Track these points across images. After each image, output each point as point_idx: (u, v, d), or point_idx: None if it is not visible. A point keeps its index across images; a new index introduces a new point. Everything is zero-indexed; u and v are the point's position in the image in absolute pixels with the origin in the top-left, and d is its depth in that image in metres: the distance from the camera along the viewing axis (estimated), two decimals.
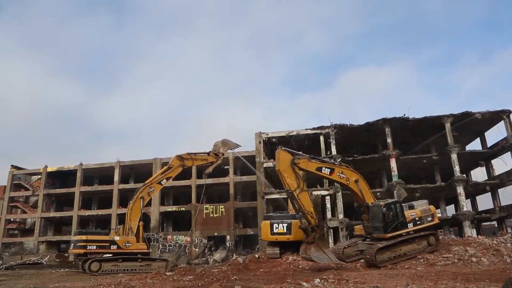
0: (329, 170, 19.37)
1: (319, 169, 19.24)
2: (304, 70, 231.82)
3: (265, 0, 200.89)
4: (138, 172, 44.95)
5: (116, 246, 23.23)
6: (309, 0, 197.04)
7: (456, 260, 17.42)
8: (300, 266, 19.51)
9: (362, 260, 18.37)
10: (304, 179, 23.33)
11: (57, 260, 36.98)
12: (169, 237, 39.93)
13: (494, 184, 35.02)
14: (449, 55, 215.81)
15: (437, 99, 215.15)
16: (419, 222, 19.25)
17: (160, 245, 39.18)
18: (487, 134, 37.83)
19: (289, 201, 22.04)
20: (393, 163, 34.21)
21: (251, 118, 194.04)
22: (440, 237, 25.32)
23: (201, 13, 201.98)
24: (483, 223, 43.14)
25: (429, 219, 19.71)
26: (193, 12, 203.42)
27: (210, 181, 36.60)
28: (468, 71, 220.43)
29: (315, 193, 28.72)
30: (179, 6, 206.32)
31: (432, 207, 20.43)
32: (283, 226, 23.04)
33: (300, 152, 19.75)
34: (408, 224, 18.76)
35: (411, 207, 19.88)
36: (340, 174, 19.45)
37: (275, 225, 23.43)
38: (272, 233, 23.41)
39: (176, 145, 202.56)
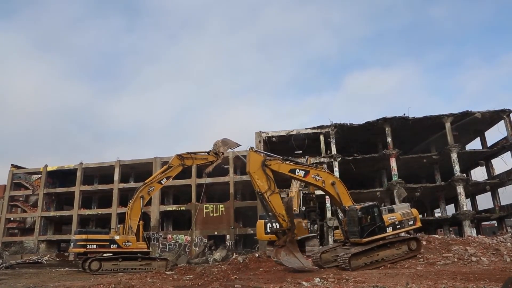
0: (303, 172, 18.72)
1: (293, 171, 18.65)
2: (311, 73, 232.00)
3: (274, 4, 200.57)
4: (138, 171, 44.99)
5: (116, 245, 23.19)
6: (317, 4, 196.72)
7: (456, 260, 17.43)
8: None
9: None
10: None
11: (57, 259, 37.00)
12: (169, 236, 39.95)
13: (494, 183, 35.06)
14: (453, 58, 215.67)
15: (441, 101, 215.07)
16: (399, 226, 18.32)
17: (160, 244, 39.21)
18: (487, 133, 37.93)
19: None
20: (393, 163, 34.23)
21: (257, 120, 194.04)
22: (440, 237, 25.38)
23: (211, 17, 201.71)
24: (483, 223, 43.22)
25: (411, 222, 18.76)
26: (202, 16, 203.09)
27: (210, 180, 36.63)
28: (472, 74, 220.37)
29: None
30: (190, 10, 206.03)
31: (414, 210, 19.48)
32: (276, 226, 23.15)
33: (273, 154, 19.28)
34: (387, 228, 17.90)
35: (391, 211, 19.05)
36: (316, 177, 18.84)
37: (268, 225, 23.66)
38: (266, 233, 23.70)
39: (180, 146, 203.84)
